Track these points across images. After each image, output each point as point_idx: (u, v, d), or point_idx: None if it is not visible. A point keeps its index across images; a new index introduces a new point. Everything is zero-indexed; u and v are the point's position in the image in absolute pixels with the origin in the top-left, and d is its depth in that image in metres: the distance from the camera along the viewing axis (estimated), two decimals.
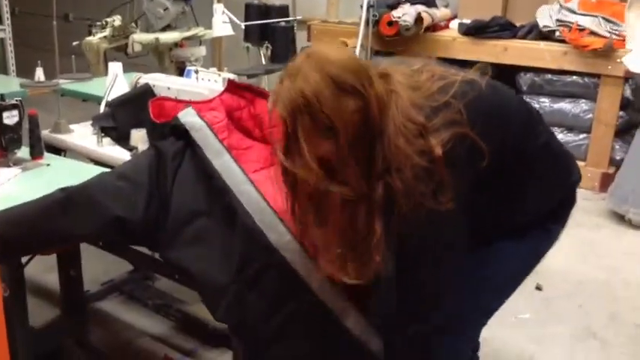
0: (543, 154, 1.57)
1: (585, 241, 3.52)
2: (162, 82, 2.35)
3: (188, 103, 2.08)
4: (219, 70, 2.71)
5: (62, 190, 1.62)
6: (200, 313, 2.47)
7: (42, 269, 2.66)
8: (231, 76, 2.55)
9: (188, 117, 1.87)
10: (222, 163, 1.79)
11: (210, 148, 1.83)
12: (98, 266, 2.87)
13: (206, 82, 2.38)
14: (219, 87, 2.29)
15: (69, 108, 3.18)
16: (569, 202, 1.66)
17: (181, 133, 1.84)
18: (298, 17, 4.95)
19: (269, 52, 2.87)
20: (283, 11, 2.88)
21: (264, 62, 2.92)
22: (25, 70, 2.79)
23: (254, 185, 1.76)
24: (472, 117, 1.36)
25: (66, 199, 1.61)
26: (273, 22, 2.75)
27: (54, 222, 1.61)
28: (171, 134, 1.86)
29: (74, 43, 3.42)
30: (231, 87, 2.12)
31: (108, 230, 1.65)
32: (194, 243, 1.73)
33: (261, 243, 1.64)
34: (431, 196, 1.32)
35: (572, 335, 2.68)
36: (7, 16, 4.40)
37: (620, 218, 3.76)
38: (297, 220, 1.60)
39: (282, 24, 2.78)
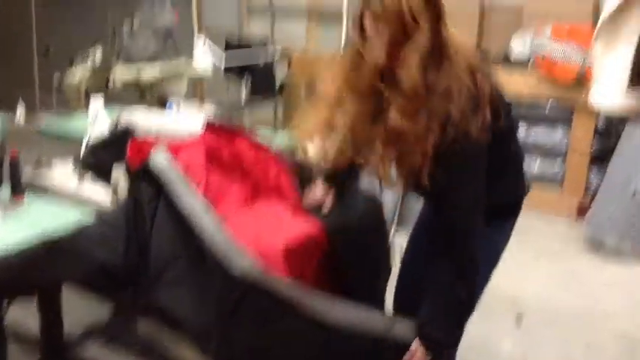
0: (520, 152, 1.84)
1: (564, 270, 3.57)
2: (143, 120, 2.37)
3: (165, 144, 2.11)
4: (200, 103, 2.73)
5: (46, 238, 1.64)
6: (183, 356, 2.45)
7: (23, 313, 2.62)
8: (212, 109, 2.58)
9: (158, 160, 1.89)
10: (189, 202, 1.82)
11: (178, 190, 1.86)
12: (80, 309, 2.84)
13: (186, 121, 2.40)
14: (199, 125, 2.31)
15: (51, 144, 3.19)
16: (519, 207, 1.88)
17: (154, 176, 1.86)
18: (278, 48, 5.02)
19: (249, 86, 2.90)
20: (262, 46, 2.92)
21: (244, 95, 2.95)
22: (7, 104, 2.79)
23: (219, 222, 1.79)
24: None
25: (50, 247, 1.63)
26: (252, 57, 2.78)
27: (41, 270, 1.62)
28: (144, 178, 1.88)
29: (55, 74, 3.42)
30: (211, 127, 2.15)
31: (93, 277, 1.68)
32: (175, 286, 1.75)
33: (232, 275, 1.67)
34: (476, 126, 1.51)
35: None
36: None
37: (598, 246, 3.83)
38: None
39: (262, 58, 2.81)
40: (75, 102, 3.39)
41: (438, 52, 1.53)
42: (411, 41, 1.50)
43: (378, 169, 1.66)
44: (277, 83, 5.17)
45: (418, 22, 1.50)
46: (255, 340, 1.70)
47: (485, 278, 1.85)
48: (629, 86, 1.51)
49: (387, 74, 1.56)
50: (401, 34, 1.51)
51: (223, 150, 2.16)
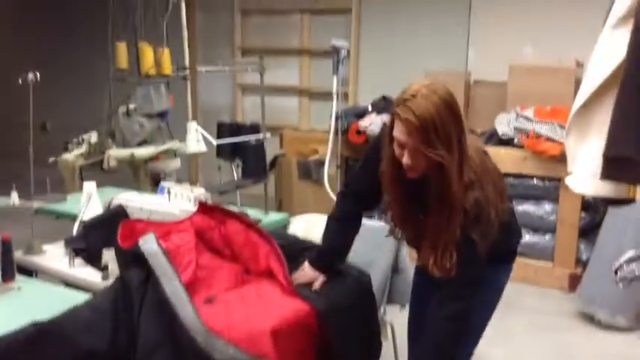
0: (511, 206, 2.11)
1: (557, 344, 3.55)
2: (135, 203, 2.42)
3: (156, 226, 2.15)
4: (193, 184, 2.80)
5: (34, 324, 1.64)
6: None
7: None
8: (203, 191, 2.63)
9: (146, 244, 1.93)
10: (172, 288, 1.84)
11: (163, 275, 1.88)
12: None
13: (178, 202, 2.45)
14: (191, 207, 2.36)
15: (44, 222, 3.23)
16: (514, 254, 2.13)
17: (143, 260, 1.89)
18: (269, 124, 5.14)
19: (240, 169, 2.99)
20: (254, 129, 3.02)
21: (236, 178, 3.03)
22: (2, 180, 2.85)
23: (194, 308, 1.81)
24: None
25: (37, 334, 1.63)
26: (244, 140, 2.87)
27: (24, 358, 1.61)
28: (133, 262, 1.91)
29: (50, 160, 3.50)
30: (202, 209, 2.20)
31: None
32: None
33: None
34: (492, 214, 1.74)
35: None
36: None
37: (590, 319, 3.81)
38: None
39: (253, 141, 2.90)
40: (70, 183, 3.45)
41: (462, 162, 1.71)
42: (446, 155, 1.67)
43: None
44: (268, 161, 5.30)
45: (450, 133, 1.66)
46: None
47: (488, 318, 2.06)
48: (600, 178, 1.58)
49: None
50: (432, 144, 1.66)
51: (214, 231, 2.21)
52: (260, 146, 2.91)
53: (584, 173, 1.70)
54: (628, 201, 1.72)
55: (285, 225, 2.97)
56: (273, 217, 2.97)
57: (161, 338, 1.80)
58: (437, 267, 1.78)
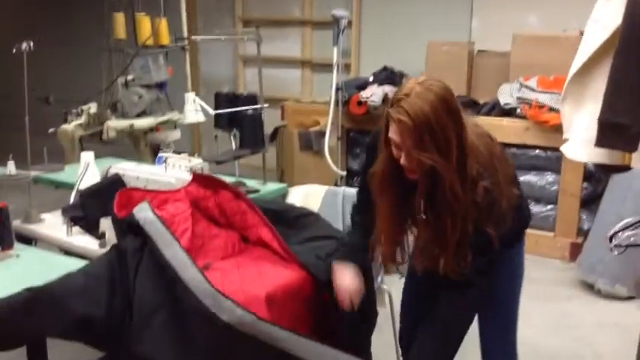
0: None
1: (556, 313, 3.57)
2: (132, 172, 2.43)
3: (152, 195, 2.16)
4: (194, 154, 2.80)
5: (28, 289, 1.65)
6: None
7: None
8: (201, 162, 2.63)
9: (142, 212, 1.94)
10: (172, 252, 1.85)
11: (161, 240, 1.89)
12: (70, 354, 2.85)
13: (174, 172, 2.45)
14: (187, 175, 2.36)
15: (43, 192, 3.25)
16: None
17: (138, 228, 1.90)
18: (272, 96, 5.12)
19: (238, 139, 2.98)
20: (251, 99, 3.01)
21: (234, 148, 3.02)
22: (8, 151, 2.86)
23: (201, 271, 1.81)
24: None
25: (32, 299, 1.64)
26: (241, 110, 2.86)
27: (19, 323, 1.63)
28: (128, 230, 1.91)
29: (50, 131, 3.51)
30: (197, 178, 2.20)
31: (73, 329, 1.69)
32: (159, 335, 1.76)
33: (218, 324, 1.70)
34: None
35: None
36: None
37: (590, 288, 3.83)
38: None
39: (250, 111, 2.89)
40: (69, 154, 3.46)
41: (464, 161, 1.60)
42: (439, 160, 1.56)
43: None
44: (266, 133, 5.29)
45: (447, 134, 1.55)
46: None
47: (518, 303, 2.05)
48: (595, 145, 1.56)
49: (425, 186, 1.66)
50: (426, 147, 1.56)
51: (209, 200, 2.21)
52: (258, 116, 2.90)
53: (579, 140, 1.69)
54: (623, 168, 1.71)
55: (283, 195, 2.98)
56: (271, 187, 2.98)
57: (159, 302, 1.81)
58: (450, 268, 1.68)
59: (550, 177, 4.39)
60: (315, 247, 2.12)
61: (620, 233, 1.83)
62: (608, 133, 1.57)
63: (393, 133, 1.59)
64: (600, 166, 1.88)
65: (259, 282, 1.92)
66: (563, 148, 1.76)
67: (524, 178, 4.44)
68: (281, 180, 4.91)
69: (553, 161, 4.32)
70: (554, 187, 4.36)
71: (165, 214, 2.04)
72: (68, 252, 2.34)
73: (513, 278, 1.99)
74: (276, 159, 5.19)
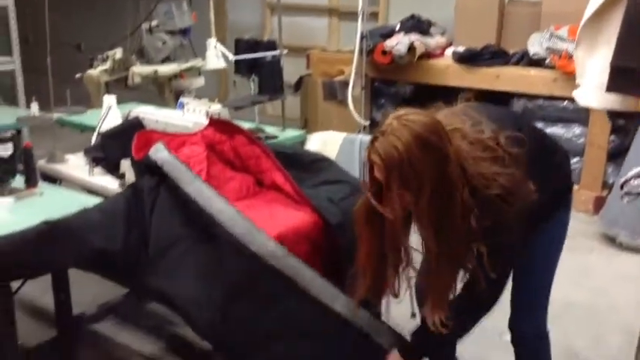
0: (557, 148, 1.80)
1: (575, 264, 3.56)
2: (151, 115, 2.48)
3: (170, 137, 2.21)
4: (215, 101, 2.84)
5: (45, 222, 1.73)
6: (188, 334, 2.56)
7: (41, 292, 2.76)
8: (219, 107, 2.67)
9: (158, 153, 1.99)
10: (195, 188, 1.90)
11: (182, 178, 1.95)
12: (96, 289, 2.98)
13: (192, 115, 2.50)
14: (204, 120, 2.41)
15: (69, 136, 3.34)
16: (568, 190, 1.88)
17: (155, 168, 1.95)
18: (298, 45, 5.09)
19: (256, 85, 3.00)
20: (271, 45, 3.01)
21: (253, 93, 3.05)
22: (39, 98, 2.95)
23: (230, 203, 1.87)
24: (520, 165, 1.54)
25: (47, 231, 1.72)
26: (260, 56, 2.87)
27: (35, 253, 1.71)
28: (146, 171, 1.97)
29: (76, 76, 3.57)
30: (213, 123, 2.24)
31: (89, 261, 1.77)
32: (174, 267, 1.83)
33: (247, 254, 1.76)
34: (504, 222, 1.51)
35: (554, 356, 2.71)
36: (16, 48, 4.59)
37: (612, 241, 3.80)
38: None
39: (269, 58, 2.90)
40: (95, 99, 3.53)
41: (449, 190, 1.47)
42: (418, 194, 1.46)
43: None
44: (291, 82, 5.29)
45: (421, 174, 1.44)
46: (258, 322, 1.77)
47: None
48: (606, 90, 1.54)
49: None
50: (408, 182, 1.46)
51: (224, 144, 2.26)
52: (276, 63, 2.91)
53: (592, 86, 1.67)
54: (635, 115, 1.68)
55: (302, 142, 3.00)
56: (290, 134, 3.01)
57: (176, 236, 1.87)
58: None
59: (577, 129, 4.32)
60: (328, 190, 2.15)
61: (632, 181, 1.82)
62: (619, 77, 1.54)
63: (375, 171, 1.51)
64: (612, 113, 1.83)
65: (271, 223, 1.97)
66: (575, 94, 1.74)
67: (551, 130, 4.37)
68: (305, 129, 4.93)
69: (581, 113, 4.22)
70: (581, 140, 4.29)
71: (180, 157, 2.09)
72: (90, 191, 2.42)
73: (552, 243, 1.91)
74: (300, 108, 5.20)
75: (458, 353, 2.21)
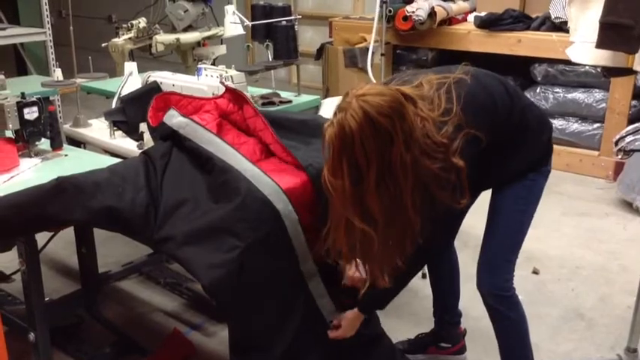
0: (523, 121, 1.81)
1: (590, 227, 3.60)
2: (168, 80, 2.59)
3: (187, 100, 2.31)
4: (229, 67, 2.91)
5: (56, 179, 1.84)
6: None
7: (70, 248, 2.91)
8: (235, 72, 2.75)
9: (173, 119, 2.08)
10: (217, 146, 1.99)
11: (200, 138, 2.04)
12: (123, 249, 3.15)
13: (206, 79, 2.60)
14: (216, 83, 2.50)
15: (95, 102, 3.49)
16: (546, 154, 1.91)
17: (167, 134, 2.05)
18: (322, 13, 5.10)
19: (271, 50, 3.08)
20: (285, 11, 3.08)
21: (269, 59, 3.13)
22: (69, 69, 3.10)
23: (254, 163, 1.96)
24: (468, 116, 1.63)
25: (56, 187, 1.82)
26: (274, 22, 2.95)
27: (42, 206, 1.81)
28: (159, 137, 2.07)
29: (103, 45, 3.69)
30: (227, 91, 2.32)
31: (95, 217, 1.85)
32: (181, 221, 1.92)
33: (269, 212, 1.83)
34: (451, 199, 1.61)
35: (560, 316, 2.78)
36: (47, 20, 4.74)
37: (629, 206, 3.81)
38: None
39: (284, 23, 2.97)
40: (120, 67, 3.65)
41: (395, 172, 1.53)
42: (367, 172, 1.52)
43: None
44: (312, 50, 5.33)
45: (370, 151, 1.50)
46: (259, 282, 1.84)
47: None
48: (596, 46, 1.57)
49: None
50: (356, 160, 1.52)
51: (237, 114, 2.34)
52: (290, 28, 2.97)
53: (584, 42, 1.70)
54: (626, 71, 1.72)
55: (316, 106, 3.08)
56: (304, 99, 3.08)
57: (186, 197, 1.95)
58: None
59: (598, 94, 4.30)
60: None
61: (626, 137, 1.86)
62: (610, 34, 1.57)
63: None
64: (604, 70, 1.85)
65: (281, 181, 2.04)
66: (567, 51, 1.77)
67: (572, 95, 4.37)
68: (326, 97, 4.99)
69: (602, 78, 4.20)
70: (602, 105, 4.27)
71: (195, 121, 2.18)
72: (112, 154, 2.55)
73: (515, 204, 1.92)
74: (322, 76, 5.26)
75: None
